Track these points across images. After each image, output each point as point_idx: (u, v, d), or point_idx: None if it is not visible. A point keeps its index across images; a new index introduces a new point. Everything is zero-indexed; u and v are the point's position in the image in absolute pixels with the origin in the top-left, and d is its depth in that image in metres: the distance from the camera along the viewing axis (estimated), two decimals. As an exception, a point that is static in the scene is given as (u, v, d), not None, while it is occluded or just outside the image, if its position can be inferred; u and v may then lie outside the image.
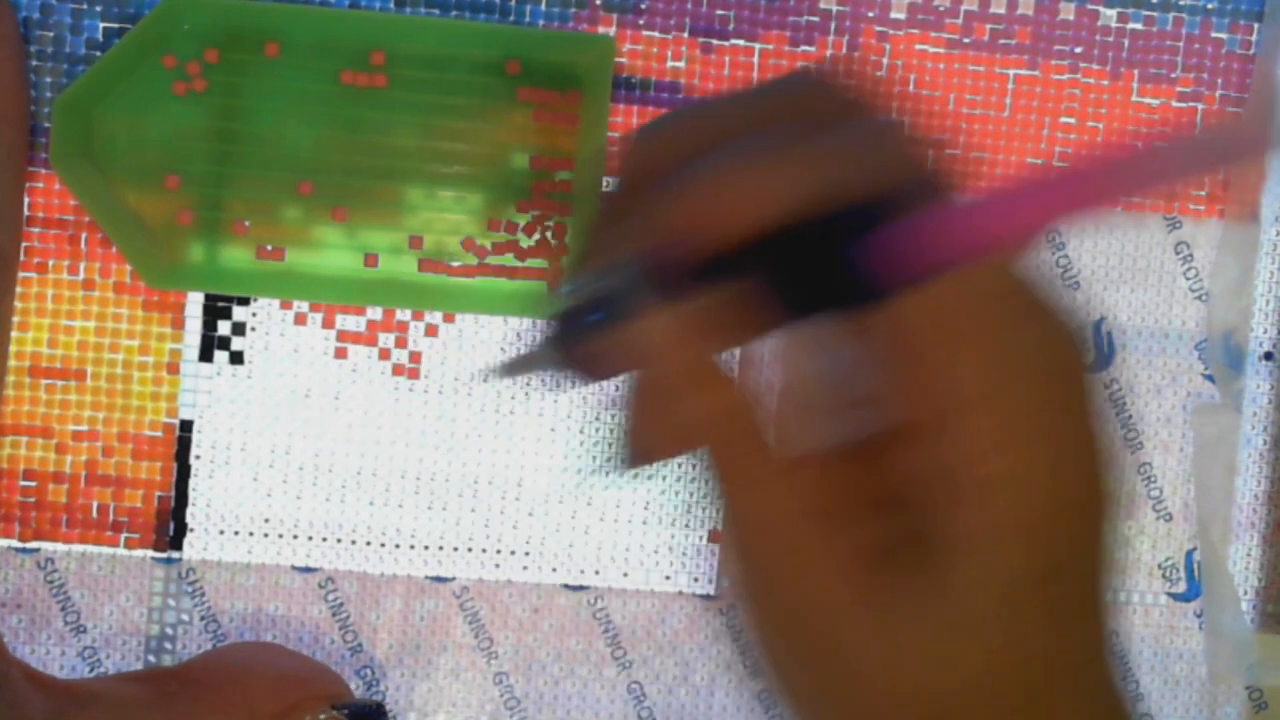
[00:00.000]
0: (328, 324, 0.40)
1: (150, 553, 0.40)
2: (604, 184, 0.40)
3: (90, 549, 0.40)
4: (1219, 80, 0.42)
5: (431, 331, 0.41)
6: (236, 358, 0.40)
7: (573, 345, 0.26)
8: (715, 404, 0.25)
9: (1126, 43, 0.42)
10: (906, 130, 0.25)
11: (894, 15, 0.41)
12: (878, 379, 0.25)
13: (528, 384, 0.41)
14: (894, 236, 0.23)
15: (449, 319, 0.41)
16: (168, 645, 0.40)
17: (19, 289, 0.39)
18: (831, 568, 0.25)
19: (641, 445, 0.26)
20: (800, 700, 0.26)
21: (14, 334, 0.39)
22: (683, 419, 0.25)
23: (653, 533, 0.41)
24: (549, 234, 0.40)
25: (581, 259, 0.27)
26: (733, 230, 0.24)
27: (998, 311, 0.24)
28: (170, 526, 0.40)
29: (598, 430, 0.41)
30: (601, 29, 0.41)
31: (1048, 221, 0.22)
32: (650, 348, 0.24)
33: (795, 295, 0.24)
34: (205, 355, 0.40)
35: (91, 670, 0.40)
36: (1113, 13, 0.42)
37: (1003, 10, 0.42)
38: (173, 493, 0.40)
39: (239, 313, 0.40)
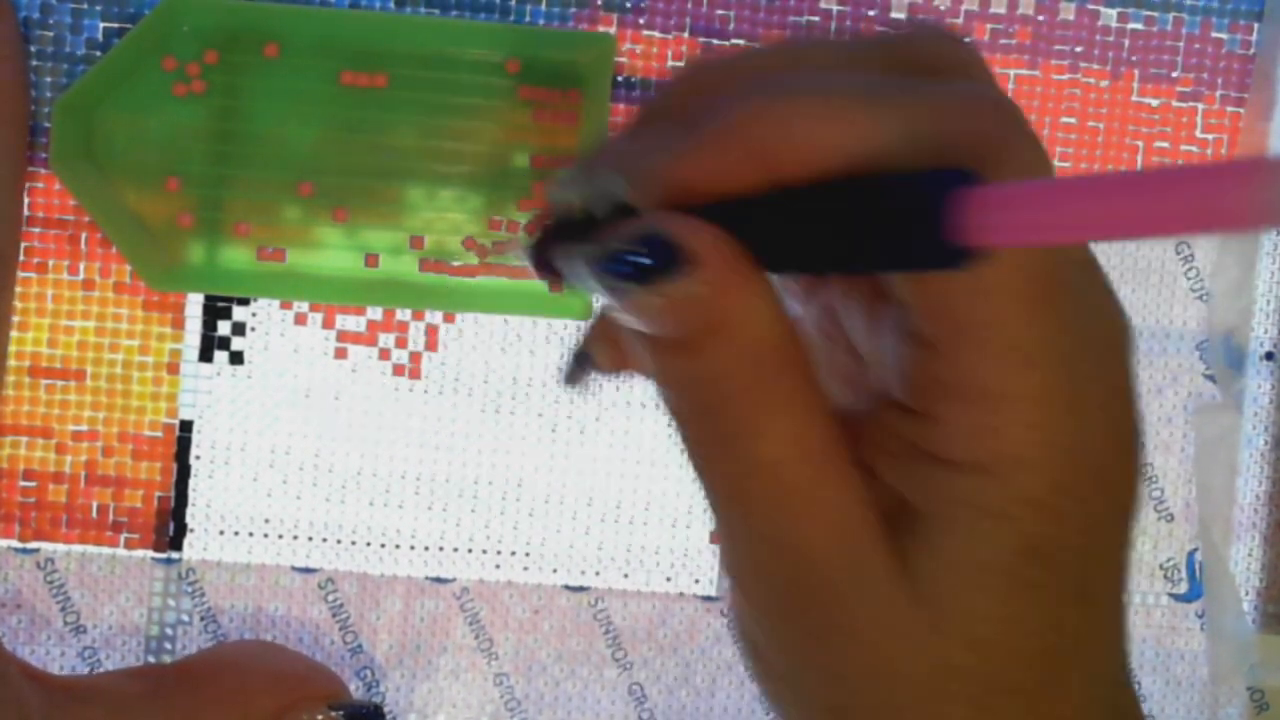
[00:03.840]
0: (328, 324, 0.40)
1: (150, 553, 0.40)
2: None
3: (90, 549, 0.40)
4: (1219, 80, 0.42)
5: (432, 332, 0.41)
6: (236, 358, 0.40)
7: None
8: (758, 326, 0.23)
9: (1126, 43, 0.42)
10: (1007, 99, 0.23)
11: (894, 15, 0.41)
12: (904, 346, 0.24)
13: (529, 384, 0.41)
14: (994, 197, 0.21)
15: (449, 319, 0.41)
16: (167, 645, 0.40)
17: (19, 289, 0.39)
18: (855, 519, 0.24)
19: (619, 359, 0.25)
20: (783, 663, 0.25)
21: (14, 334, 0.39)
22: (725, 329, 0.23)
23: (653, 533, 0.41)
24: (549, 232, 0.40)
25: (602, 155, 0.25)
26: (810, 158, 0.22)
27: (1062, 279, 0.23)
28: (170, 526, 0.40)
29: (598, 431, 0.41)
30: (602, 28, 0.41)
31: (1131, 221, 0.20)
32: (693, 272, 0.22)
33: (856, 245, 0.22)
34: (205, 355, 0.40)
35: (91, 670, 0.40)
36: (1113, 13, 0.42)
37: (1003, 10, 0.42)
38: (173, 493, 0.40)
39: (239, 313, 0.40)
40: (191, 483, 0.40)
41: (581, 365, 0.27)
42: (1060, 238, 0.21)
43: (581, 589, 0.41)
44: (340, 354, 0.41)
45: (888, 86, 0.23)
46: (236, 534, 0.40)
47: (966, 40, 0.24)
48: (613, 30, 0.41)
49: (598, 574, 0.41)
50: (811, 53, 0.25)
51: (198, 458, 0.40)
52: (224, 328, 0.40)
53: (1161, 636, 0.43)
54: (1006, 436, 0.23)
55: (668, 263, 0.23)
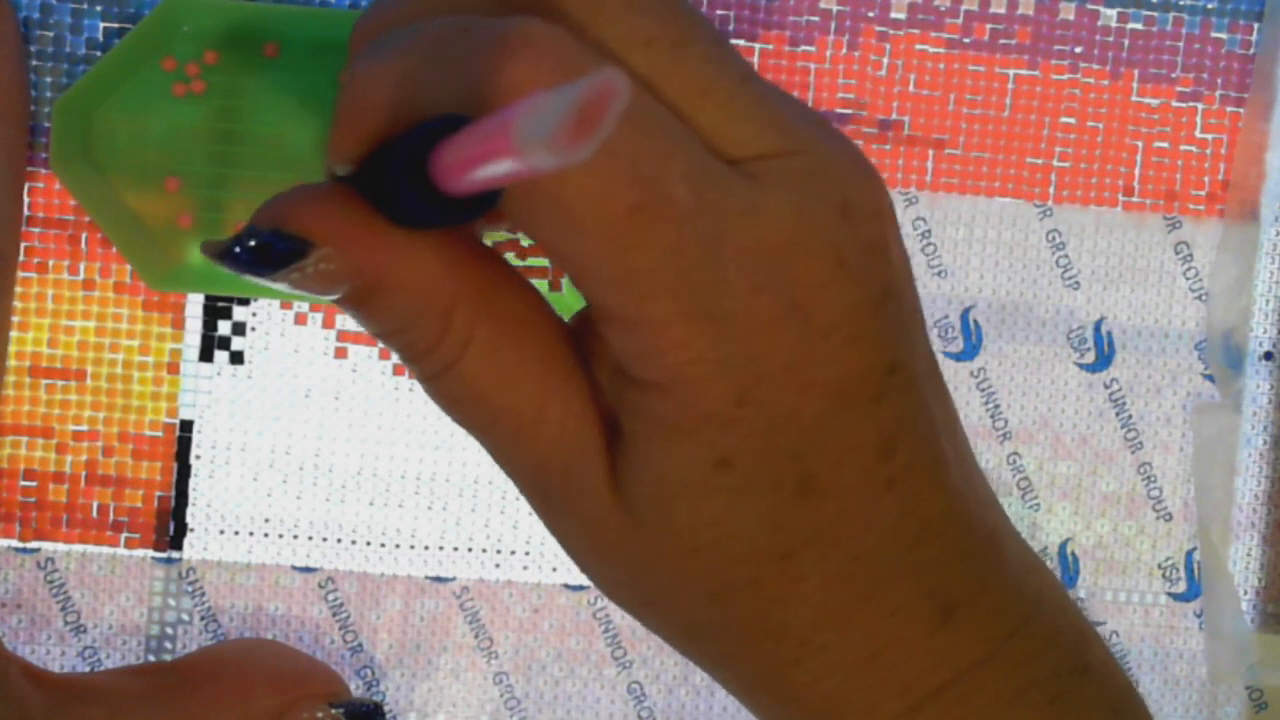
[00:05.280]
0: (328, 324, 0.41)
1: (150, 553, 0.40)
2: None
3: (90, 549, 0.40)
4: (1219, 80, 0.42)
5: (431, 331, 0.41)
6: (237, 358, 0.40)
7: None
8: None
9: (1126, 43, 0.42)
10: (536, 29, 0.22)
11: (894, 15, 0.41)
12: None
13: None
14: (446, 146, 0.21)
15: (449, 319, 0.41)
16: (168, 645, 0.40)
17: (19, 289, 0.39)
18: (569, 438, 0.25)
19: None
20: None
21: (14, 334, 0.39)
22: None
23: (653, 533, 0.41)
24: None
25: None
26: (383, 120, 0.23)
27: (661, 195, 0.22)
28: (170, 526, 0.40)
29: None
30: (601, 29, 0.41)
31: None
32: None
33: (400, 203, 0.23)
34: (205, 355, 0.40)
35: (91, 670, 0.40)
36: (1113, 13, 0.42)
37: (1003, 10, 0.42)
38: (173, 493, 0.40)
39: (239, 313, 0.40)
40: (191, 482, 0.40)
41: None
42: (493, 181, 0.20)
43: (581, 588, 0.41)
44: (340, 354, 0.41)
45: (453, 36, 0.23)
46: (236, 534, 0.40)
47: None
48: (612, 30, 0.41)
49: (597, 573, 0.41)
50: None
51: (198, 457, 0.40)
52: (224, 328, 0.40)
53: (1160, 636, 0.43)
54: (666, 359, 0.23)
55: (285, 249, 0.23)
